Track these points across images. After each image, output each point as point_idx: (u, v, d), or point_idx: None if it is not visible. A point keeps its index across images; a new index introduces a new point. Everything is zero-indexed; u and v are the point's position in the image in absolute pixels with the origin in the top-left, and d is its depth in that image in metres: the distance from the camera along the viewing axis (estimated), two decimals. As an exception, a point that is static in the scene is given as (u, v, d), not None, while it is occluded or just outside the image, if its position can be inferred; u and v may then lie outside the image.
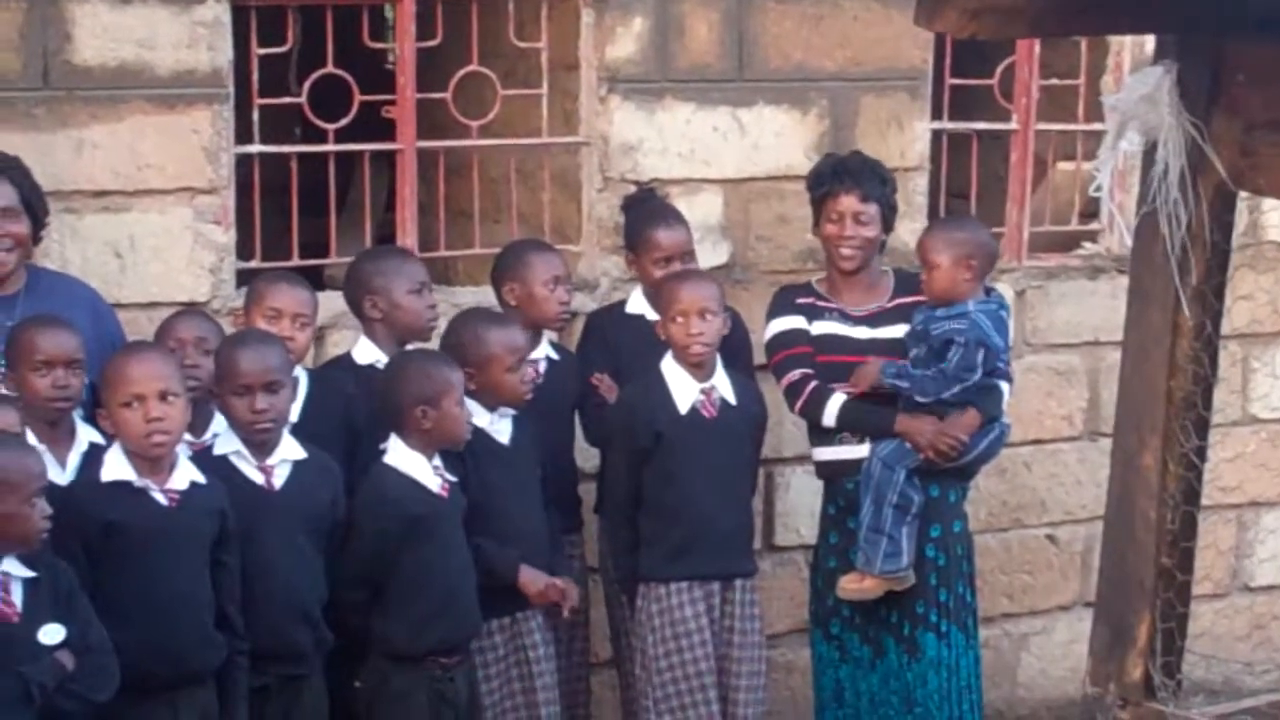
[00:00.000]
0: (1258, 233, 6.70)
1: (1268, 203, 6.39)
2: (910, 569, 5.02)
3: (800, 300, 5.12)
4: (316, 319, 4.76)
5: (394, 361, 4.62)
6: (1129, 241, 4.19)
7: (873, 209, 4.99)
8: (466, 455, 4.57)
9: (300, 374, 4.57)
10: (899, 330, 5.04)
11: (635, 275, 5.29)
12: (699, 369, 4.88)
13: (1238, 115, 3.84)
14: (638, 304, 5.13)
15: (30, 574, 3.89)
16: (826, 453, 5.08)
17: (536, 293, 4.87)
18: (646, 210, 5.36)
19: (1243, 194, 4.05)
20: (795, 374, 5.06)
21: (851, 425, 5.18)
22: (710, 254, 5.70)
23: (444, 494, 4.44)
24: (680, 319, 4.73)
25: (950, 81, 6.12)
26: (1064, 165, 6.59)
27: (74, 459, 4.26)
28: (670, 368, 4.86)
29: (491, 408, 4.57)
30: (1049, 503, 6.44)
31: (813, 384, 5.11)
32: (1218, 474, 6.36)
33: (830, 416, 5.13)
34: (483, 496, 4.56)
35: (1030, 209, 6.36)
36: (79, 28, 5.00)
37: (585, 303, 5.47)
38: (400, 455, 4.41)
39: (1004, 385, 5.06)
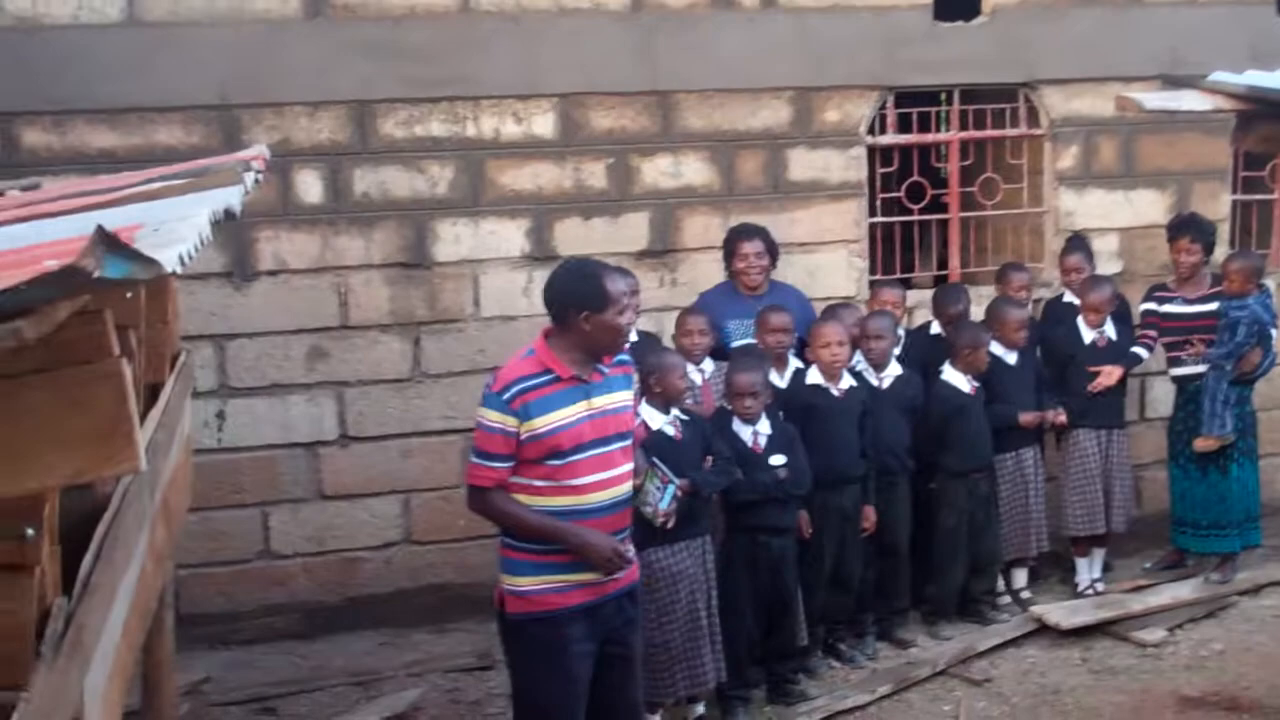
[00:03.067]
0: None
1: None
2: (1231, 433, 6.70)
3: (1156, 293, 6.90)
4: (905, 305, 6.74)
5: (955, 327, 6.50)
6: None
7: (1198, 245, 6.77)
8: (991, 372, 6.48)
9: (900, 332, 6.48)
10: (1212, 305, 6.69)
11: (1064, 279, 7.01)
12: (1096, 317, 6.67)
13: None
14: (1069, 296, 6.95)
15: (770, 432, 5.51)
16: (1179, 370, 6.89)
17: (1011, 292, 6.83)
18: (1067, 246, 7.15)
19: None
20: (1147, 332, 6.86)
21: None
22: (1112, 267, 7.36)
23: (972, 393, 6.39)
24: (1094, 305, 6.71)
25: (1242, 174, 7.66)
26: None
27: (788, 374, 6.02)
28: (1080, 322, 6.77)
29: (1007, 347, 6.49)
30: (1295, 396, 7.64)
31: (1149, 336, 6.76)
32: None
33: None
34: (1001, 391, 6.59)
35: (1286, 239, 7.71)
36: (792, 163, 6.91)
37: (1043, 294, 7.20)
38: (950, 374, 6.39)
39: (1275, 333, 6.72)
